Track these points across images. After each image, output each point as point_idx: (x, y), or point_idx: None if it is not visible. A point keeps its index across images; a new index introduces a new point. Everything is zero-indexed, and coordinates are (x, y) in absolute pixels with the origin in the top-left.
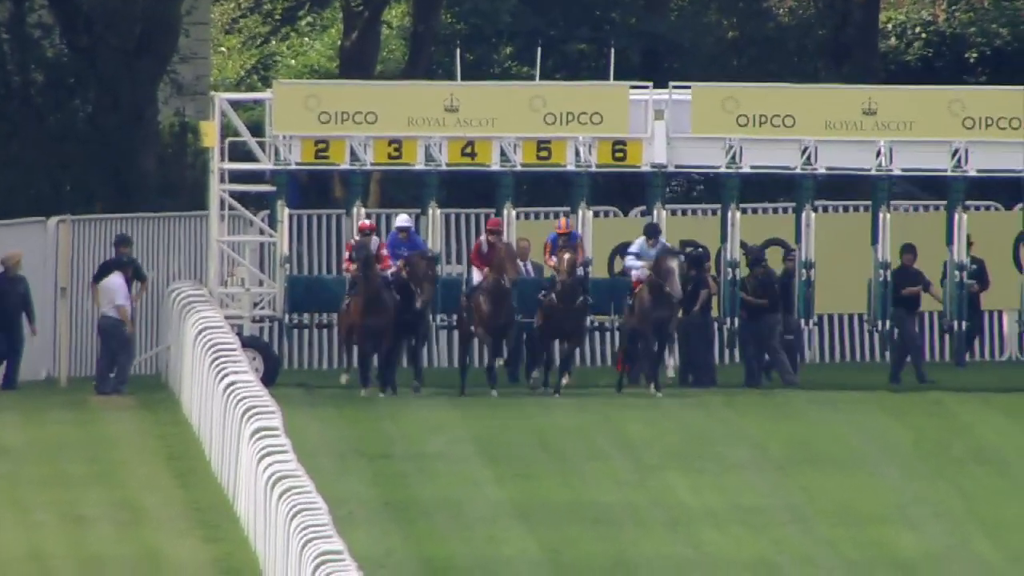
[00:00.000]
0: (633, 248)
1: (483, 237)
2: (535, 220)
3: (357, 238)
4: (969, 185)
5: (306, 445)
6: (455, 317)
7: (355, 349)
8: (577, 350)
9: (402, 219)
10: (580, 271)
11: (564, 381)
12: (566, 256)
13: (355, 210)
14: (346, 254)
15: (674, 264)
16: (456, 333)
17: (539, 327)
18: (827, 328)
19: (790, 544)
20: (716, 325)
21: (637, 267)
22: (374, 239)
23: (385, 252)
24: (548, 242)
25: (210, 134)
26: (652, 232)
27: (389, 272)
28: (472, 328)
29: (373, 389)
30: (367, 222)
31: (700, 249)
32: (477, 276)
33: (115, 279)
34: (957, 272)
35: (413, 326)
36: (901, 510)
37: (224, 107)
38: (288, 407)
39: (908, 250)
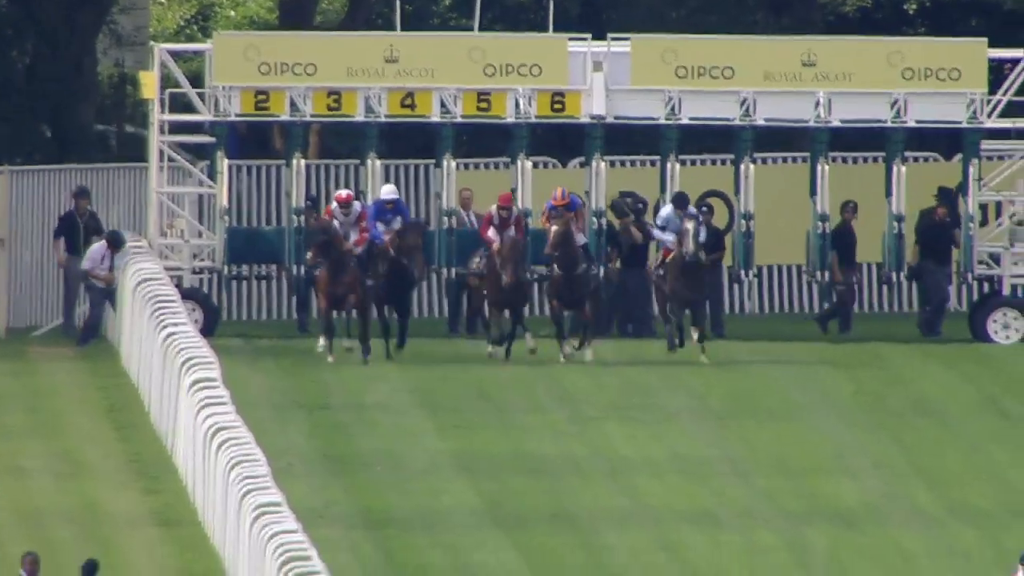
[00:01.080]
0: (660, 220)
1: (494, 208)
2: (475, 171)
3: (335, 210)
4: (908, 136)
5: (245, 396)
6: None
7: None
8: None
9: (388, 190)
10: (581, 238)
11: (586, 352)
12: (553, 228)
13: (294, 161)
14: (325, 218)
15: (689, 225)
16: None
17: (549, 300)
18: (766, 280)
19: (729, 495)
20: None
21: (665, 238)
22: (356, 205)
23: (364, 224)
24: (546, 209)
25: (150, 85)
26: (680, 202)
27: (361, 247)
28: (484, 303)
29: (338, 349)
30: (345, 193)
31: (641, 204)
32: (492, 235)
33: (98, 248)
34: (896, 224)
35: (400, 299)
36: (840, 461)
37: (164, 58)
38: (227, 358)
39: (847, 208)
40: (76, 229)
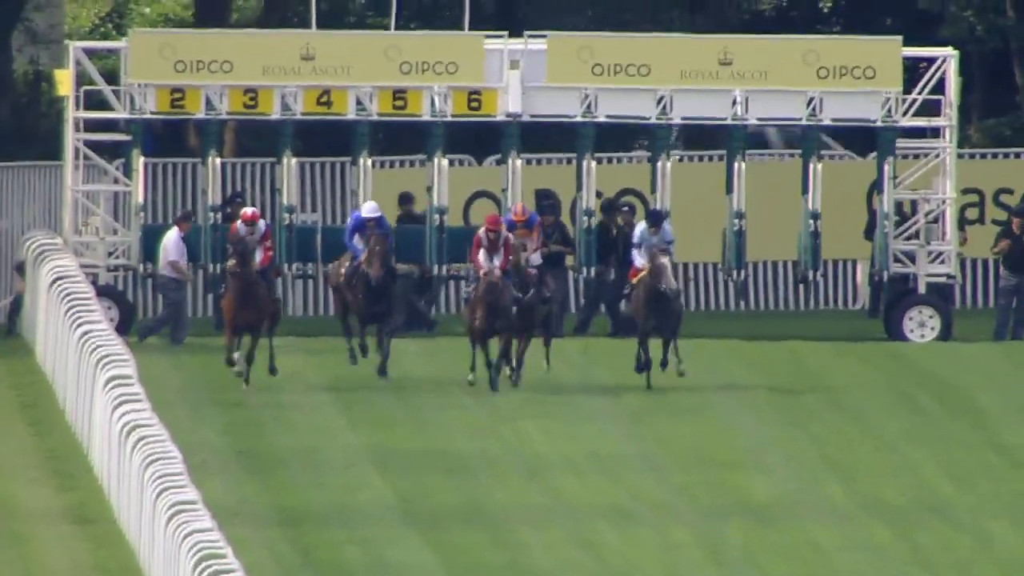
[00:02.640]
0: (635, 236)
1: (482, 231)
2: (391, 169)
3: (240, 228)
4: (824, 134)
5: (160, 394)
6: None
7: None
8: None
9: (370, 208)
10: (536, 258)
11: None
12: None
13: (210, 159)
14: (229, 240)
15: (665, 260)
16: (310, 283)
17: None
18: (681, 276)
19: (645, 491)
20: (572, 274)
21: (636, 258)
22: (260, 223)
23: (268, 243)
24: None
25: (65, 83)
26: (654, 219)
27: (265, 266)
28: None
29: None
30: (251, 211)
31: (550, 202)
32: (483, 260)
33: (176, 237)
34: (811, 221)
35: (381, 317)
36: (754, 456)
37: (79, 56)
38: (142, 356)
39: None
40: None
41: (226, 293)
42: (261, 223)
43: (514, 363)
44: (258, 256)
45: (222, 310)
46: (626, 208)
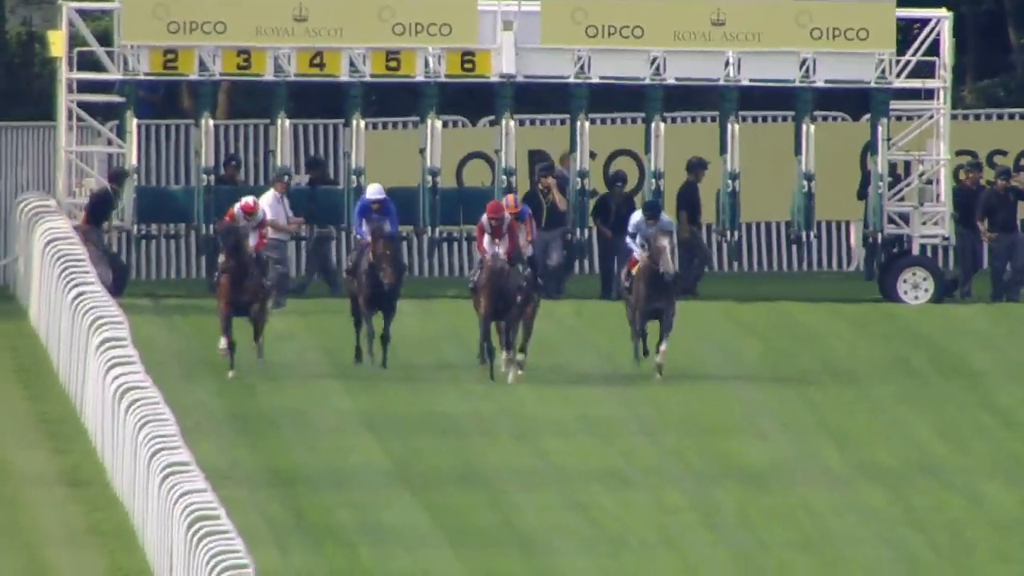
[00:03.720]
0: (632, 226)
1: (484, 218)
2: (384, 131)
3: (238, 215)
4: (817, 96)
5: (154, 356)
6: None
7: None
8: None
9: (374, 190)
10: (530, 249)
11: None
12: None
13: (203, 121)
14: (225, 220)
15: (665, 242)
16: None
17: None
18: (676, 238)
19: (638, 455)
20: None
21: (635, 249)
22: (259, 212)
23: (264, 230)
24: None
25: (58, 44)
26: (652, 210)
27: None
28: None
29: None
30: (251, 201)
31: (549, 162)
32: (487, 246)
33: (268, 197)
34: (805, 183)
35: (383, 304)
36: (749, 421)
37: (72, 16)
38: (136, 318)
39: None
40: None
41: (219, 280)
42: (260, 212)
43: (517, 350)
44: (252, 240)
45: (216, 294)
46: (620, 184)
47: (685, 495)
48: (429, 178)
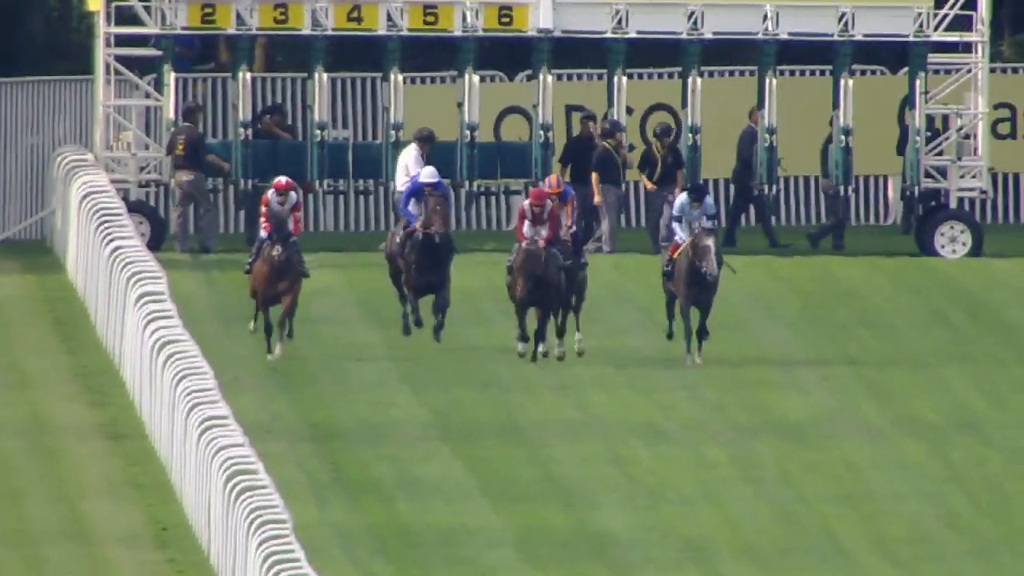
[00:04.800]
0: (676, 209)
1: (526, 203)
2: (422, 85)
3: (271, 198)
4: (855, 50)
5: (192, 310)
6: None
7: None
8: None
9: (428, 172)
10: (570, 231)
11: (557, 350)
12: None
13: (241, 74)
14: (263, 208)
15: (710, 242)
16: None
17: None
18: (713, 193)
19: (678, 408)
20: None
21: (677, 233)
22: (292, 195)
23: (299, 214)
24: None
25: None
26: (697, 193)
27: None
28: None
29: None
30: (284, 180)
31: (589, 112)
32: (526, 231)
33: (412, 153)
34: (843, 137)
35: (437, 285)
36: (788, 375)
37: None
38: (174, 272)
39: None
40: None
41: (256, 263)
42: (293, 194)
43: (554, 334)
44: (289, 225)
45: (252, 281)
46: (666, 137)
47: (725, 449)
48: (467, 132)
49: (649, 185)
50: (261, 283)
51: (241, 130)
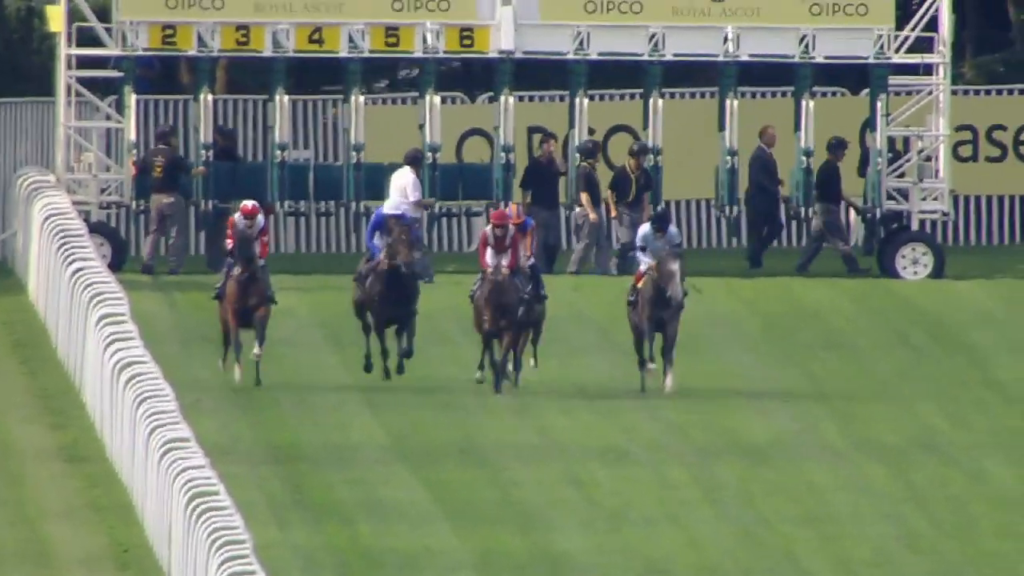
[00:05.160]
0: (639, 239)
1: (488, 228)
2: (383, 106)
3: (238, 222)
4: (816, 72)
5: (153, 332)
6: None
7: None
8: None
9: (391, 205)
10: (528, 261)
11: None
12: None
13: (202, 96)
14: (228, 231)
15: (675, 267)
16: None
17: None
18: (674, 215)
19: (638, 430)
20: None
21: (643, 262)
22: (260, 218)
23: (266, 238)
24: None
25: (57, 19)
26: (660, 222)
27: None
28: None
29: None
30: (251, 205)
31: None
32: (490, 259)
33: (409, 175)
34: (804, 158)
35: (401, 319)
36: (750, 396)
37: None
38: (135, 293)
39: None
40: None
41: (225, 286)
42: (260, 218)
43: (511, 365)
44: (255, 248)
45: (221, 303)
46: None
47: (687, 470)
48: (429, 154)
49: (614, 211)
50: (231, 302)
51: (202, 152)
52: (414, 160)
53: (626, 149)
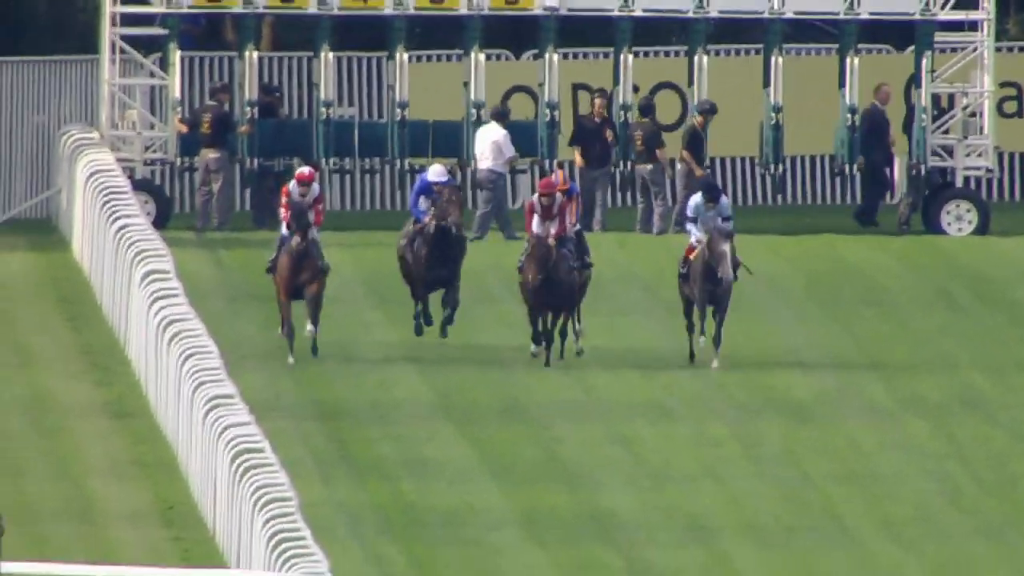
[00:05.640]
0: (690, 209)
1: (535, 197)
2: (427, 63)
3: (292, 189)
4: (861, 28)
5: (197, 289)
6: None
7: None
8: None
9: (437, 171)
10: (574, 228)
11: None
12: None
13: (247, 54)
14: (283, 199)
15: (726, 247)
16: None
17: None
18: (719, 172)
19: (681, 387)
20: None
21: (693, 234)
22: (314, 187)
23: (321, 206)
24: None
25: None
26: (711, 192)
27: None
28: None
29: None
30: (307, 171)
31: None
32: (536, 228)
33: (500, 131)
34: (848, 115)
35: (447, 280)
36: (792, 354)
37: None
38: (179, 250)
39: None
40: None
41: (277, 259)
42: (315, 186)
43: (572, 332)
44: (309, 216)
45: (273, 277)
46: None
47: (728, 428)
48: (473, 111)
49: (698, 171)
50: (283, 275)
51: (248, 109)
52: (501, 116)
53: (673, 106)
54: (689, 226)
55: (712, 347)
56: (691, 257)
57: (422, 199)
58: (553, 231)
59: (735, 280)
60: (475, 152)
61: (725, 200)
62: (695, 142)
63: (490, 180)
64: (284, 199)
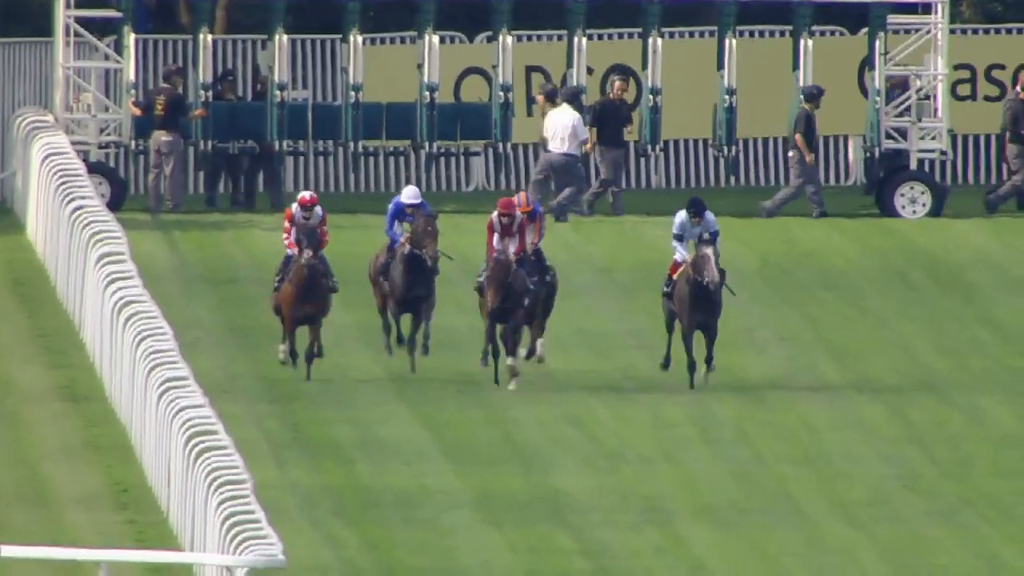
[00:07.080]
0: (676, 227)
1: (494, 215)
2: (381, 46)
3: (296, 213)
4: (815, 10)
5: (152, 271)
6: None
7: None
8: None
9: (410, 193)
10: (533, 247)
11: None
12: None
13: (201, 36)
14: (285, 223)
15: (709, 251)
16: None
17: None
18: (672, 154)
19: (635, 369)
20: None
21: (677, 250)
22: (317, 211)
23: (324, 227)
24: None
25: None
26: (696, 208)
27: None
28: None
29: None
30: (308, 196)
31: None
32: (496, 245)
33: (575, 116)
34: (801, 97)
35: (419, 302)
36: (746, 335)
37: None
38: (134, 233)
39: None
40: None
41: (284, 282)
42: (318, 209)
43: (524, 349)
44: (317, 236)
45: (277, 299)
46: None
47: (683, 409)
48: (427, 93)
49: (809, 156)
50: (288, 302)
51: (201, 92)
52: (575, 97)
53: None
54: (675, 243)
55: (704, 368)
56: (675, 276)
57: (396, 222)
58: (512, 249)
59: (719, 285)
60: (545, 135)
61: (711, 216)
62: (810, 127)
63: (567, 165)
64: (287, 223)
